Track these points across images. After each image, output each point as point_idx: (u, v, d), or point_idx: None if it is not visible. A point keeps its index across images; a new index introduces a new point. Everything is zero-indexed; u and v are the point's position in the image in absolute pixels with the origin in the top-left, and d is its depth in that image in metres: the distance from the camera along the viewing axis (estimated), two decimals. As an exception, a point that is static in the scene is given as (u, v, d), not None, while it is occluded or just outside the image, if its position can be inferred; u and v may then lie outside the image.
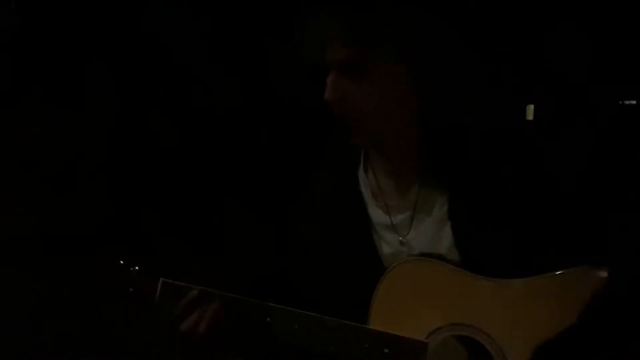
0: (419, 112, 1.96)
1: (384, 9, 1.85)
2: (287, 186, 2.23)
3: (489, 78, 2.74)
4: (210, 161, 3.02)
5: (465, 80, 2.09)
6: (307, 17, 1.88)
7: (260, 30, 2.98)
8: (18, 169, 2.77)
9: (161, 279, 2.16)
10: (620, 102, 3.07)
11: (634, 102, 3.06)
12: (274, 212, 2.27)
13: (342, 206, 2.08)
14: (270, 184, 2.59)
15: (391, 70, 1.87)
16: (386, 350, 1.91)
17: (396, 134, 1.97)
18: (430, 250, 1.97)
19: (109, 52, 2.95)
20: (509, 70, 2.91)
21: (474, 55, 2.43)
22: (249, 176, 2.96)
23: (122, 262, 2.23)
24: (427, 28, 1.90)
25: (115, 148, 2.93)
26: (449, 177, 1.97)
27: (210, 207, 2.98)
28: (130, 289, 2.20)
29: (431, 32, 1.91)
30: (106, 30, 2.94)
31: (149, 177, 2.94)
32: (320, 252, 2.07)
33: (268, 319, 2.04)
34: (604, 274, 1.80)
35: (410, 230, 2.01)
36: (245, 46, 3.03)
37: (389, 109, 1.91)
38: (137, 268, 2.22)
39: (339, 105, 1.89)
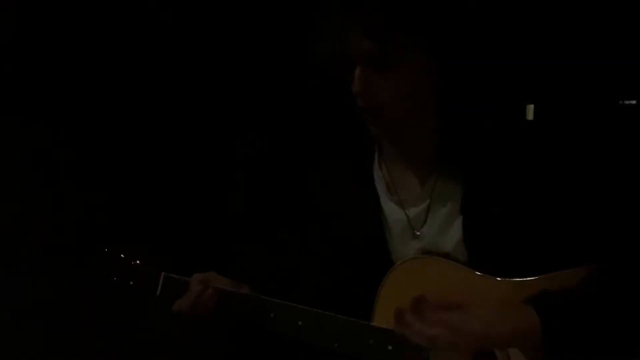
0: (439, 103, 1.97)
1: (411, 4, 1.85)
2: (300, 183, 2.22)
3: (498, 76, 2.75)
4: (219, 155, 3.01)
5: (482, 76, 2.09)
6: (331, 12, 1.88)
7: (272, 25, 2.97)
8: (18, 165, 2.76)
9: (163, 273, 2.17)
10: (620, 102, 3.08)
11: (634, 102, 3.06)
12: (286, 208, 2.26)
13: (355, 202, 2.08)
14: (283, 181, 2.59)
15: (417, 63, 1.87)
16: (390, 347, 1.91)
17: (417, 123, 1.97)
18: (438, 243, 1.97)
19: (109, 52, 2.94)
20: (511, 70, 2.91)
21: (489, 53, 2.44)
22: (258, 172, 2.96)
23: (122, 255, 2.23)
24: (453, 23, 1.91)
25: (117, 144, 2.91)
26: (466, 171, 1.96)
27: (217, 201, 2.97)
28: (131, 282, 2.20)
29: (456, 27, 1.91)
30: (106, 29, 2.93)
31: (153, 169, 2.93)
32: (332, 249, 2.08)
33: (272, 314, 2.05)
34: (609, 272, 1.79)
35: (426, 223, 2.00)
36: (257, 41, 3.02)
37: (412, 100, 1.91)
38: (138, 262, 2.22)
39: (366, 97, 1.89)
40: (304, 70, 2.71)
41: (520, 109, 3.04)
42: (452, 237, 1.95)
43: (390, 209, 2.05)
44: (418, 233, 2.00)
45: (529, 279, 1.83)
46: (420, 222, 2.01)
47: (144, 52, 2.97)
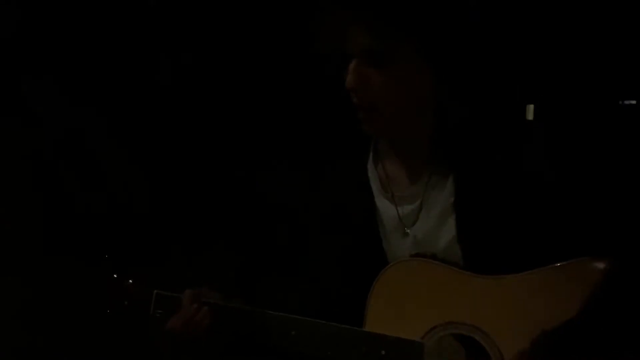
0: (433, 103, 1.98)
1: (410, 1, 1.87)
2: (295, 179, 2.21)
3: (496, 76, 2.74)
4: (210, 157, 3.00)
5: (478, 74, 2.09)
6: (331, 6, 1.90)
7: (270, 19, 2.97)
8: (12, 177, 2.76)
9: (155, 291, 2.16)
10: (620, 102, 3.06)
11: (634, 102, 3.04)
12: (280, 205, 2.25)
13: (349, 198, 2.08)
14: (277, 177, 2.57)
15: (412, 62, 1.88)
16: (383, 352, 1.90)
17: (410, 122, 1.98)
18: (431, 242, 1.97)
19: (109, 50, 2.94)
20: (510, 70, 2.90)
21: (485, 51, 2.44)
22: (253, 170, 2.95)
23: (115, 275, 2.22)
24: (449, 23, 1.92)
25: (113, 155, 2.92)
26: (457, 169, 1.97)
27: (208, 206, 2.97)
28: (125, 302, 2.19)
29: (453, 26, 1.93)
30: (106, 29, 2.93)
31: (144, 184, 2.93)
32: (327, 245, 2.07)
33: (264, 325, 2.03)
34: (603, 265, 1.79)
35: (417, 222, 2.00)
36: (252, 36, 3.02)
37: (406, 98, 1.92)
38: (130, 281, 2.21)
39: (360, 93, 1.90)
40: (300, 67, 2.71)
41: (520, 109, 3.03)
42: (446, 235, 1.96)
43: (384, 206, 2.06)
44: (408, 231, 2.00)
45: (519, 274, 1.84)
46: (412, 220, 2.01)
47: (139, 51, 2.97)
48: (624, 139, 2.91)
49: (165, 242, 2.81)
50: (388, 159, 2.09)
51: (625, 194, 1.93)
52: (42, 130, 2.81)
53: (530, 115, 3.03)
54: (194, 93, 3.01)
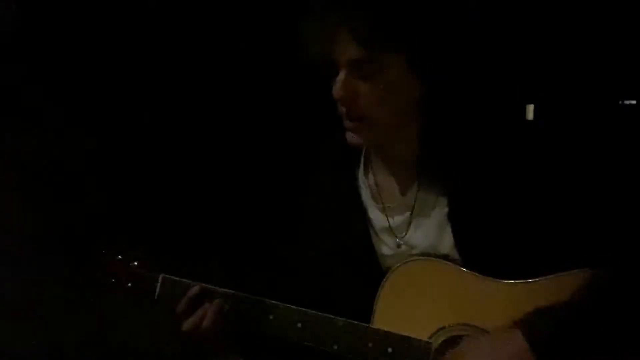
0: (421, 113, 1.95)
1: (399, 11, 1.83)
2: (287, 188, 2.21)
3: (490, 80, 2.74)
4: (210, 160, 3.00)
5: (469, 84, 2.08)
6: (319, 15, 1.86)
7: (261, 27, 2.97)
8: (17, 166, 2.74)
9: (161, 275, 2.15)
10: (620, 102, 3.07)
11: (634, 102, 3.05)
12: (273, 215, 2.25)
13: (341, 208, 2.08)
14: (270, 186, 2.57)
15: (401, 72, 1.85)
16: (390, 350, 1.90)
17: (398, 134, 1.96)
18: (428, 252, 1.97)
19: (107, 51, 2.93)
20: (509, 70, 2.90)
21: (478, 60, 2.43)
22: (248, 177, 2.95)
23: (120, 257, 2.22)
24: (439, 34, 1.89)
25: (114, 143, 2.91)
26: (449, 179, 1.95)
27: (208, 205, 2.97)
28: (129, 284, 2.19)
29: (443, 37, 1.89)
30: (106, 29, 2.92)
31: (149, 172, 2.92)
32: (319, 254, 2.07)
33: (271, 316, 2.03)
34: (604, 276, 1.79)
35: (408, 232, 2.01)
36: (244, 43, 3.01)
37: (394, 109, 1.90)
38: (136, 263, 2.20)
39: (348, 104, 1.88)
40: (292, 76, 2.70)
41: (520, 109, 3.04)
42: (445, 245, 1.96)
43: (376, 216, 2.06)
44: (400, 242, 2.01)
45: (529, 280, 1.85)
46: (403, 231, 2.02)
47: (136, 52, 2.96)
48: (624, 139, 2.92)
49: (164, 243, 2.82)
50: (378, 169, 2.08)
51: (626, 196, 1.93)
52: (42, 130, 2.80)
53: (530, 115, 3.04)
54: (188, 98, 3.01)
